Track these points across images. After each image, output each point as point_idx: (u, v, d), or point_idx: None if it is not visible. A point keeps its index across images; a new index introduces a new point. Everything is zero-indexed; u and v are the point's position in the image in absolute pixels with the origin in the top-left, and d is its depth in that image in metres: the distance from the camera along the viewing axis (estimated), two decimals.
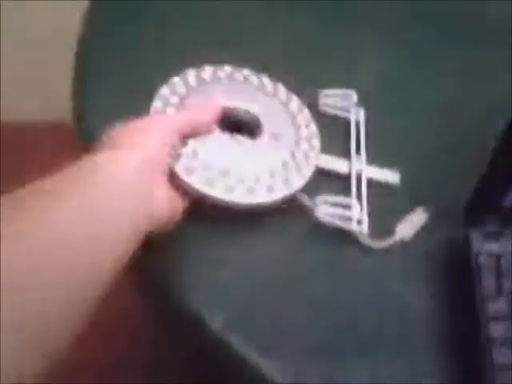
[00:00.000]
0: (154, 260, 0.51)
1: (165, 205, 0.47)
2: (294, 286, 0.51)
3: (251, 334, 0.49)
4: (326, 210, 0.52)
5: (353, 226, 0.53)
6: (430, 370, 0.49)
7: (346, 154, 0.58)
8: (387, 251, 0.54)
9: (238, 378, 0.50)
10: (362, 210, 0.54)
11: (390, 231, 0.55)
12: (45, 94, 1.17)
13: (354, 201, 0.54)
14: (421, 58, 0.68)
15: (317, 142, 0.57)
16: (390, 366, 0.49)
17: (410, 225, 0.56)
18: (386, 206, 0.57)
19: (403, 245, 0.55)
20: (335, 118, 0.61)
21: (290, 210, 0.53)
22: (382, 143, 0.60)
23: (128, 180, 0.44)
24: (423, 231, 0.55)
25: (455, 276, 0.53)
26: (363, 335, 0.50)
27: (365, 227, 0.53)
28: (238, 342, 0.48)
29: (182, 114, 0.54)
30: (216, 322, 0.49)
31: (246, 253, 0.52)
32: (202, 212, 0.51)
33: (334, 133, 0.60)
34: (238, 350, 0.48)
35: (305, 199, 0.54)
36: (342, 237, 0.54)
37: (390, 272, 0.54)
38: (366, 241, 0.54)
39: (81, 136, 0.58)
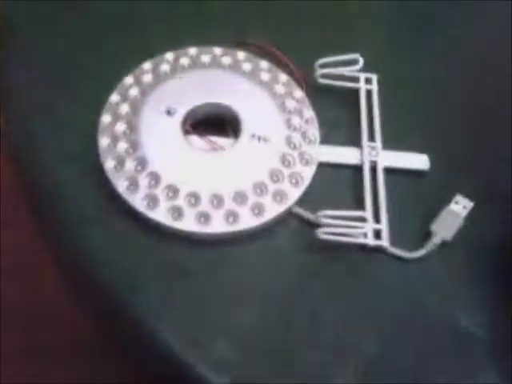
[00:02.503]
0: None
1: None
2: (302, 320, 0.40)
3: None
4: (331, 229, 0.40)
5: (369, 241, 0.41)
6: None
7: (354, 137, 0.45)
8: (425, 260, 0.42)
9: None
10: (380, 214, 0.41)
11: (424, 232, 0.42)
12: None
13: (368, 213, 0.41)
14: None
15: (315, 133, 0.44)
16: None
17: (449, 220, 0.43)
18: (414, 200, 0.44)
19: (444, 248, 0.42)
20: (338, 92, 0.48)
21: (286, 227, 0.42)
22: (399, 119, 0.47)
23: None
24: (467, 227, 0.43)
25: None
26: (402, 368, 0.39)
27: (385, 240, 0.41)
28: None
29: None
30: None
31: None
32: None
33: (338, 112, 0.47)
34: None
35: (303, 213, 0.41)
36: (363, 249, 0.41)
37: (432, 288, 0.41)
38: (395, 251, 0.41)
39: None
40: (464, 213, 0.43)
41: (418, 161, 0.45)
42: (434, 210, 0.43)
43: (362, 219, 0.41)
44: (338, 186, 0.44)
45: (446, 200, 0.43)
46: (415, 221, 0.43)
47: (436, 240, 0.42)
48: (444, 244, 0.42)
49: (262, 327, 0.39)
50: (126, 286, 0.39)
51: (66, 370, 0.89)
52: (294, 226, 0.42)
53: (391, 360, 0.39)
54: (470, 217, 0.43)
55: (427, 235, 0.42)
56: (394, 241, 0.42)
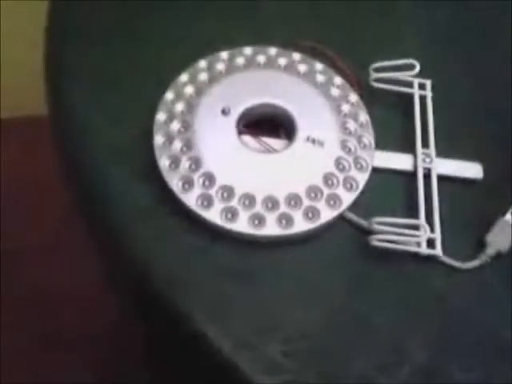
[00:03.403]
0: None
1: None
2: (352, 325, 0.39)
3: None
4: (384, 236, 0.39)
5: (423, 250, 0.40)
6: None
7: (408, 143, 0.45)
8: (478, 271, 0.41)
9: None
10: (433, 223, 0.41)
11: (478, 242, 0.42)
12: None
13: (422, 220, 0.41)
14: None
15: (370, 137, 0.43)
16: None
17: (504, 231, 0.42)
18: (468, 209, 0.43)
19: (499, 260, 0.41)
20: (392, 96, 0.47)
21: (338, 232, 0.41)
22: (453, 126, 0.46)
23: None
24: None
25: None
26: (451, 377, 0.38)
27: (438, 248, 0.40)
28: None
29: None
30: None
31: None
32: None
33: (391, 117, 0.46)
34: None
35: (356, 219, 0.41)
36: (415, 258, 0.41)
37: (485, 300, 0.41)
38: (449, 260, 0.41)
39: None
40: None
41: (472, 169, 0.44)
42: (487, 220, 0.42)
43: (415, 227, 0.41)
44: (391, 192, 0.43)
45: (501, 210, 0.43)
46: (469, 230, 0.42)
47: (490, 251, 0.41)
48: (499, 255, 0.41)
49: (313, 332, 0.38)
50: (176, 285, 0.39)
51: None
52: (346, 232, 0.41)
53: (440, 369, 0.38)
54: None
55: (481, 245, 0.42)
56: (447, 250, 0.41)
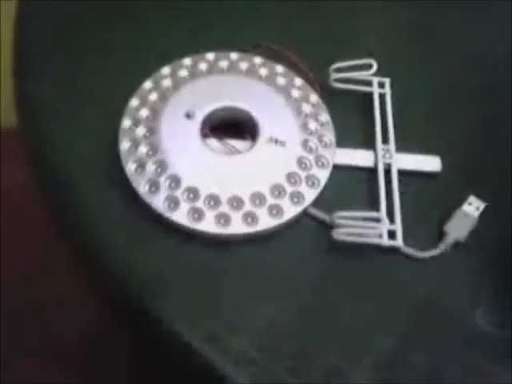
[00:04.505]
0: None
1: None
2: (319, 319, 0.41)
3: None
4: (346, 229, 0.41)
5: (384, 242, 0.41)
6: None
7: (369, 140, 0.46)
8: (438, 260, 0.43)
9: None
10: (394, 215, 0.42)
11: (438, 233, 0.43)
12: None
13: (382, 213, 0.42)
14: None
15: (331, 136, 0.45)
16: None
17: (462, 221, 0.44)
18: (428, 201, 0.45)
19: (458, 249, 0.43)
20: (352, 96, 0.49)
21: (302, 228, 0.43)
22: (412, 122, 0.48)
23: None
24: (481, 227, 0.44)
25: None
26: (417, 366, 0.39)
27: (399, 240, 0.42)
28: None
29: None
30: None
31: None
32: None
33: (352, 115, 0.48)
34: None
35: (319, 214, 0.42)
36: (377, 249, 0.42)
37: (446, 288, 0.42)
38: (409, 251, 0.42)
39: None
40: (476, 214, 0.44)
41: (431, 163, 0.46)
42: (447, 212, 0.44)
43: (377, 220, 0.42)
44: (353, 187, 0.45)
45: (458, 201, 0.44)
46: (429, 222, 0.44)
47: (449, 240, 0.43)
48: (458, 244, 0.43)
49: (280, 326, 0.40)
50: (148, 286, 0.40)
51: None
52: (310, 227, 0.43)
53: (406, 359, 0.40)
54: (484, 217, 0.44)
55: (440, 236, 0.43)
56: (408, 241, 0.43)
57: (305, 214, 0.42)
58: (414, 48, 0.53)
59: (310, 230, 0.43)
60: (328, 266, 0.42)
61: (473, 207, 0.44)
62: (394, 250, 0.42)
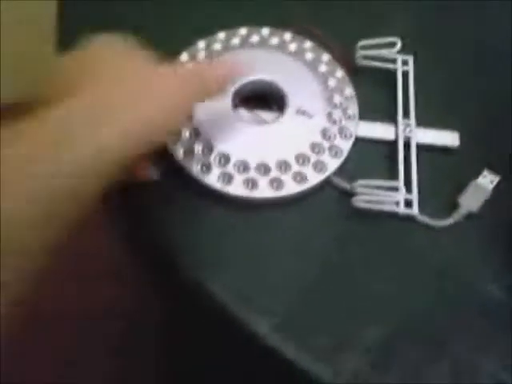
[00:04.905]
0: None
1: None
2: (336, 280, 0.44)
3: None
4: (366, 197, 0.44)
5: (401, 209, 0.44)
6: None
7: (390, 115, 0.49)
8: (452, 229, 0.45)
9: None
10: (411, 185, 0.45)
11: (453, 204, 0.46)
12: None
13: (400, 182, 0.45)
14: None
15: (355, 109, 0.48)
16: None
17: (476, 193, 0.46)
18: (444, 174, 0.47)
19: (471, 219, 0.46)
20: (376, 72, 0.51)
21: (325, 195, 0.45)
22: (432, 98, 0.50)
23: None
24: (494, 199, 0.46)
25: None
26: (427, 333, 0.42)
27: (415, 208, 0.45)
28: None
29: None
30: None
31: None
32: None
33: (376, 91, 0.50)
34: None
35: (341, 183, 0.45)
36: (395, 217, 0.45)
37: (459, 255, 0.45)
38: (425, 219, 0.45)
39: None
40: (490, 186, 0.46)
41: (449, 138, 0.48)
42: (463, 184, 0.46)
43: (395, 189, 0.45)
44: (374, 159, 0.48)
45: (473, 175, 0.47)
46: (445, 193, 0.46)
47: (462, 211, 0.45)
48: (471, 215, 0.46)
49: (301, 283, 0.43)
50: (179, 244, 0.44)
51: None
52: (332, 195, 0.46)
53: (415, 327, 0.42)
54: (496, 190, 0.46)
55: (454, 207, 0.46)
56: (423, 210, 0.45)
57: (327, 182, 0.45)
58: (437, 27, 0.55)
59: (331, 197, 0.46)
60: (347, 231, 0.45)
61: (487, 180, 0.46)
62: (409, 219, 0.45)
